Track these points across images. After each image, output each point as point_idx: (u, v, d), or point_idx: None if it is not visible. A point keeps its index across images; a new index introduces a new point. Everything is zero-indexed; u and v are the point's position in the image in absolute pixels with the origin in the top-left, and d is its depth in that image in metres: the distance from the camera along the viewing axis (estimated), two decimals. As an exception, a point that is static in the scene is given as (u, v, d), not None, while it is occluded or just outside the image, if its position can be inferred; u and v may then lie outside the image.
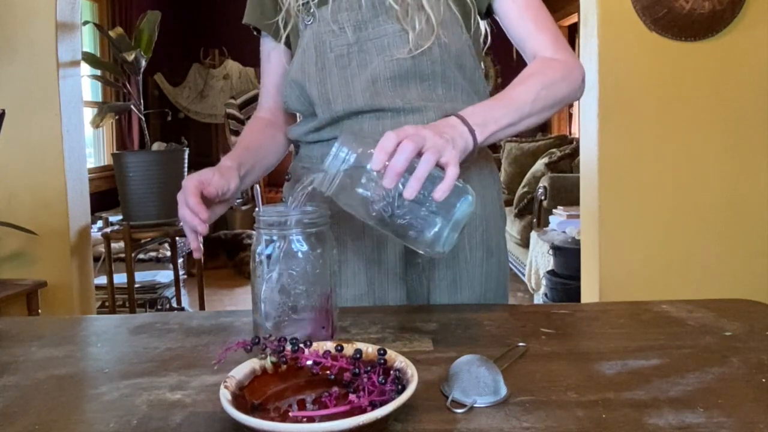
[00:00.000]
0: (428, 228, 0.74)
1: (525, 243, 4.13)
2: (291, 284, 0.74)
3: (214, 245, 4.94)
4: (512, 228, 4.48)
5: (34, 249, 2.55)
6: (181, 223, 0.85)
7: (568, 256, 3.09)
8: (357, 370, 0.62)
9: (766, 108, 2.38)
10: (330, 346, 0.66)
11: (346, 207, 0.77)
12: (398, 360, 0.63)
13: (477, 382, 0.63)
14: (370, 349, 0.65)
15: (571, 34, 6.39)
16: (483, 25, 1.08)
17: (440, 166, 0.73)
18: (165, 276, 3.62)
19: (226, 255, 4.88)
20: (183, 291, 3.55)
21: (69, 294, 2.57)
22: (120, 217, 3.11)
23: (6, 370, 0.76)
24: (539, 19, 1.00)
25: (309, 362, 0.64)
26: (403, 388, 0.57)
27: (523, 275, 3.98)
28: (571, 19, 5.97)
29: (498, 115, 0.86)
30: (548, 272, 3.30)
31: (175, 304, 3.47)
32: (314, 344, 0.66)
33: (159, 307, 3.48)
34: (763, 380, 0.67)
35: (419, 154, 0.72)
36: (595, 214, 2.45)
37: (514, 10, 1.00)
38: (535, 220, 4.06)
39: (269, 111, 1.13)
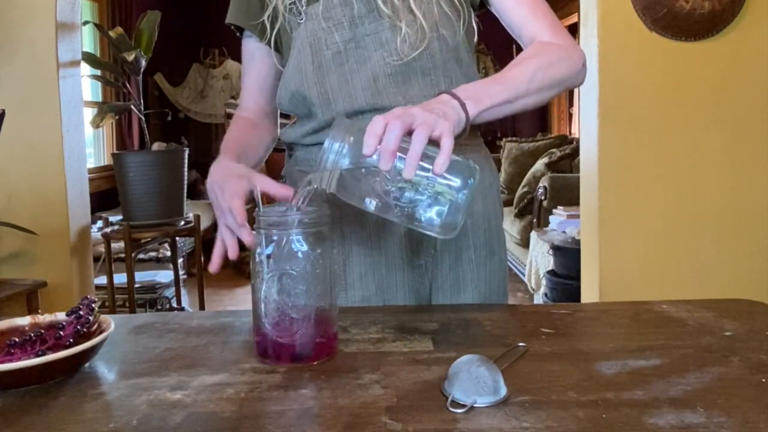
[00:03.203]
0: (434, 209, 0.73)
1: (525, 243, 4.13)
2: (291, 284, 0.73)
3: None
4: (512, 228, 4.48)
5: (34, 249, 2.55)
6: (222, 233, 0.86)
7: (568, 256, 3.09)
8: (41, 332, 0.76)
9: (766, 108, 2.38)
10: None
11: (350, 201, 0.76)
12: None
13: (477, 382, 0.63)
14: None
15: (571, 34, 6.40)
16: (473, 22, 1.07)
17: (436, 143, 0.72)
18: (165, 276, 3.62)
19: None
20: (183, 291, 3.55)
21: (69, 294, 2.57)
22: (120, 217, 3.11)
23: (6, 370, 0.76)
24: (536, 5, 0.99)
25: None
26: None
27: (523, 275, 3.98)
28: (571, 19, 5.96)
29: (492, 91, 0.85)
30: (548, 272, 3.30)
31: (175, 304, 3.47)
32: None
33: (159, 307, 3.48)
34: (763, 380, 0.67)
35: (411, 134, 0.71)
36: (595, 214, 2.45)
37: None
38: (535, 220, 4.05)
39: (251, 112, 1.11)
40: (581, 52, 0.98)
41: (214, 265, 0.87)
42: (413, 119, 0.72)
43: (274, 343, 0.74)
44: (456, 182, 0.73)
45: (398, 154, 0.71)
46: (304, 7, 0.98)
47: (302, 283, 0.74)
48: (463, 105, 0.80)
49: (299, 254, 0.74)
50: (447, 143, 0.71)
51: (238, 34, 1.10)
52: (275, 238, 0.74)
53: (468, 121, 0.80)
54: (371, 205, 0.75)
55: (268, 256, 0.74)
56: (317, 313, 0.75)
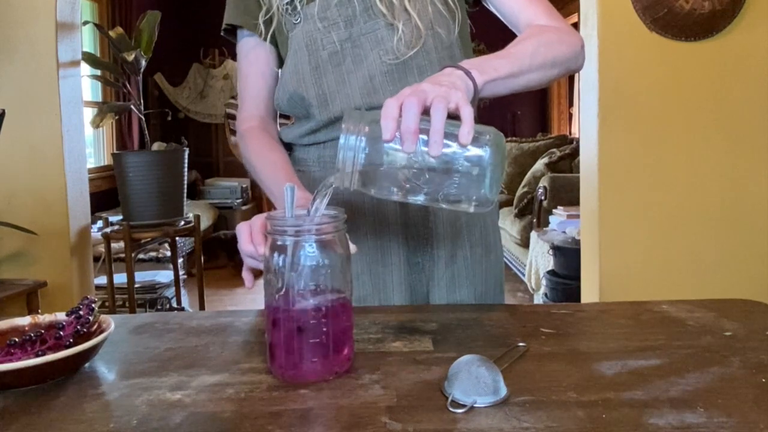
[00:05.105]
0: (464, 184, 0.70)
1: (525, 243, 4.13)
2: (305, 289, 0.70)
3: (214, 245, 4.94)
4: (512, 228, 4.48)
5: (34, 249, 2.55)
6: (245, 259, 0.83)
7: (568, 256, 3.09)
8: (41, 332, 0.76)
9: (766, 108, 2.38)
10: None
11: (374, 193, 0.72)
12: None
13: (477, 382, 0.63)
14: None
15: (571, 34, 6.39)
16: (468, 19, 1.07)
17: (454, 116, 0.69)
18: (165, 276, 3.62)
19: (226, 255, 4.88)
20: (183, 291, 3.55)
21: (69, 294, 2.57)
22: (120, 217, 3.11)
23: (6, 370, 0.76)
24: None
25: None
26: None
27: (523, 275, 3.98)
28: (571, 19, 5.96)
29: (496, 64, 0.82)
30: (548, 272, 3.30)
31: (175, 304, 3.47)
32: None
33: (159, 307, 3.48)
34: (763, 380, 0.67)
35: (427, 112, 0.68)
36: (595, 214, 2.45)
37: None
38: (535, 220, 4.05)
39: (257, 118, 1.06)
40: (578, 35, 0.96)
41: (248, 281, 0.84)
42: (426, 95, 0.69)
43: (286, 354, 0.70)
44: (482, 153, 0.70)
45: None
46: (298, 8, 0.98)
47: (317, 289, 0.70)
48: (468, 73, 0.77)
49: (314, 260, 0.69)
50: (467, 112, 0.68)
51: (224, 35, 1.08)
52: (288, 243, 0.69)
53: (476, 91, 0.78)
54: (399, 193, 0.72)
55: (282, 263, 0.69)
56: (332, 322, 0.71)
